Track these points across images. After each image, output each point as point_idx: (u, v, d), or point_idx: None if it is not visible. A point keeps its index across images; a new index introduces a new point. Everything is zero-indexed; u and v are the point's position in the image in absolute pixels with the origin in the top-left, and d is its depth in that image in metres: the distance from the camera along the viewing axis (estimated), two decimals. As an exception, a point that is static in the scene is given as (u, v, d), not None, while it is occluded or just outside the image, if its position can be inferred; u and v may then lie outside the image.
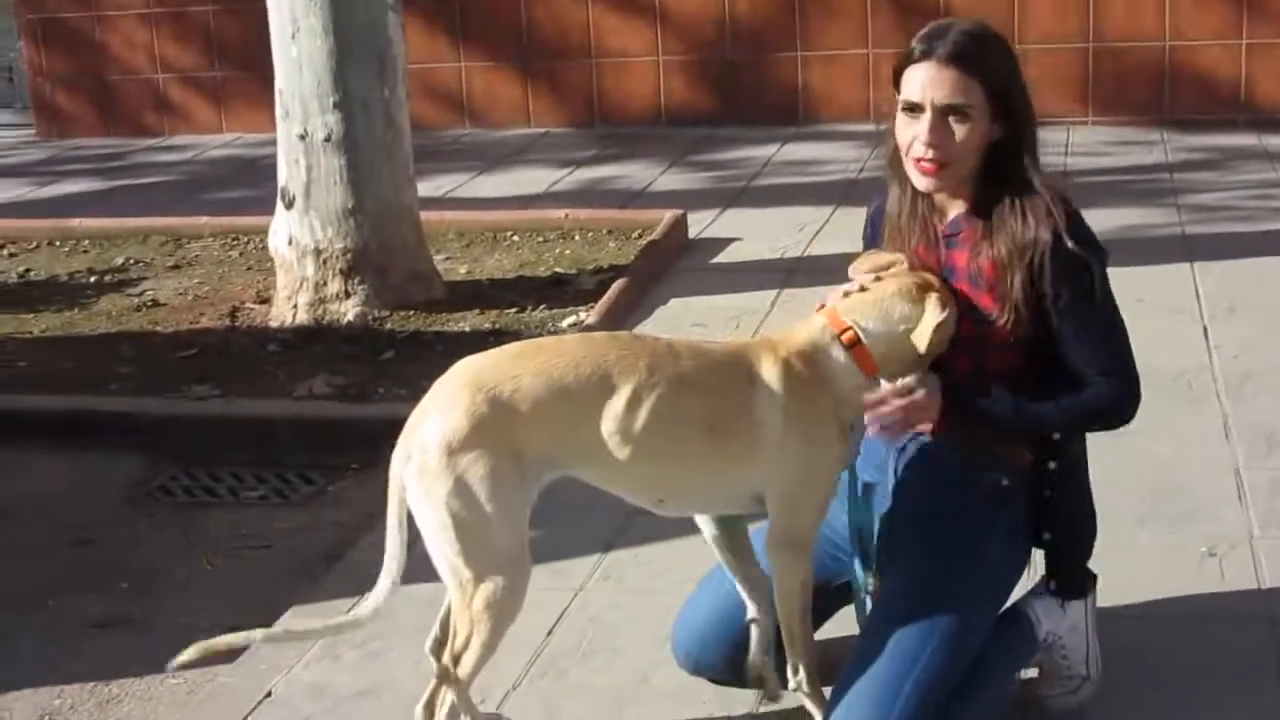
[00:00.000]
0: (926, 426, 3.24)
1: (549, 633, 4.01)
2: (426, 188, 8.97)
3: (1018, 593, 3.47)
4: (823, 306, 3.30)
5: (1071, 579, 3.45)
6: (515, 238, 7.82)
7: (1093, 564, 4.04)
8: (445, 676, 3.26)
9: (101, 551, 5.07)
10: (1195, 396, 5.32)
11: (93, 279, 7.78)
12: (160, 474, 5.66)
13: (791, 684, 3.44)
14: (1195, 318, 6.14)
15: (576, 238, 7.69)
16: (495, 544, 3.14)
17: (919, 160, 3.17)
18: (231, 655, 3.80)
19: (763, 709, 3.55)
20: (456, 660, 3.21)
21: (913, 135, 3.15)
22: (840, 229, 7.33)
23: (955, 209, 3.27)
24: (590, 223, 7.76)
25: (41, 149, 11.37)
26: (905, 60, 3.18)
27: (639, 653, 3.79)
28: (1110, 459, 4.75)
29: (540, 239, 7.75)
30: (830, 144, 9.60)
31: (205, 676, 4.09)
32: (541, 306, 6.71)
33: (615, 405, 3.11)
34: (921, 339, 3.15)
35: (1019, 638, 3.37)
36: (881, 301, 3.21)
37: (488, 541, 3.13)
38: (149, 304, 7.21)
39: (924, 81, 3.12)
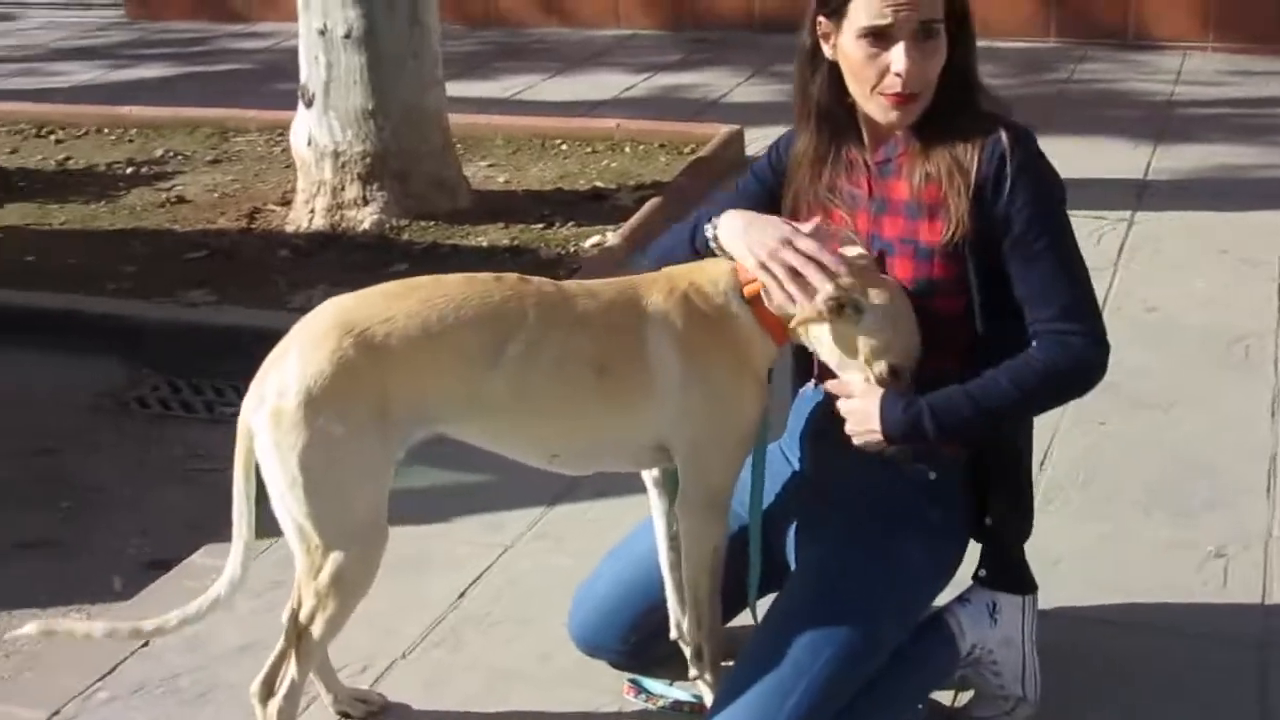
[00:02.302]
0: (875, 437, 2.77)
1: (460, 595, 3.66)
2: (494, 88, 8.68)
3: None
4: None
5: (1003, 570, 2.99)
6: (563, 147, 7.42)
7: (1085, 554, 3.66)
8: (287, 651, 2.90)
9: (58, 463, 4.85)
10: (1248, 366, 4.78)
11: (129, 170, 7.53)
12: (141, 383, 5.41)
13: (693, 671, 3.08)
14: (1272, 275, 5.55)
15: (626, 150, 7.26)
16: (350, 509, 2.77)
17: (892, 94, 2.70)
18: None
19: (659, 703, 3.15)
20: (301, 633, 2.85)
21: (882, 66, 2.68)
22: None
23: (888, 135, 2.81)
24: (642, 134, 7.31)
25: (128, 30, 11.15)
26: None
27: (550, 626, 3.41)
28: (1128, 432, 4.31)
29: (588, 149, 7.33)
30: (928, 60, 9.02)
31: (99, 614, 3.82)
32: (570, 223, 6.31)
33: (497, 351, 2.73)
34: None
35: (936, 649, 2.94)
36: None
37: (342, 505, 2.77)
38: (174, 200, 6.94)
39: (893, 2, 2.65)
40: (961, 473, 2.91)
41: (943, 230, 2.75)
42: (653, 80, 8.82)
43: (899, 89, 2.69)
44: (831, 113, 2.84)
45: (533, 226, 6.30)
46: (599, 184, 6.81)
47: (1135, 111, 7.85)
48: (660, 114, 7.82)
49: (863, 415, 2.74)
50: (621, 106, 8.17)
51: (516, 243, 6.14)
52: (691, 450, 2.87)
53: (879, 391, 2.73)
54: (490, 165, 7.20)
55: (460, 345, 2.74)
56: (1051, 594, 3.46)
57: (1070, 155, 6.89)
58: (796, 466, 3.07)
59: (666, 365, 2.79)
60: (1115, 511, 3.91)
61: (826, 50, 2.79)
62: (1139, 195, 6.44)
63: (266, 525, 2.87)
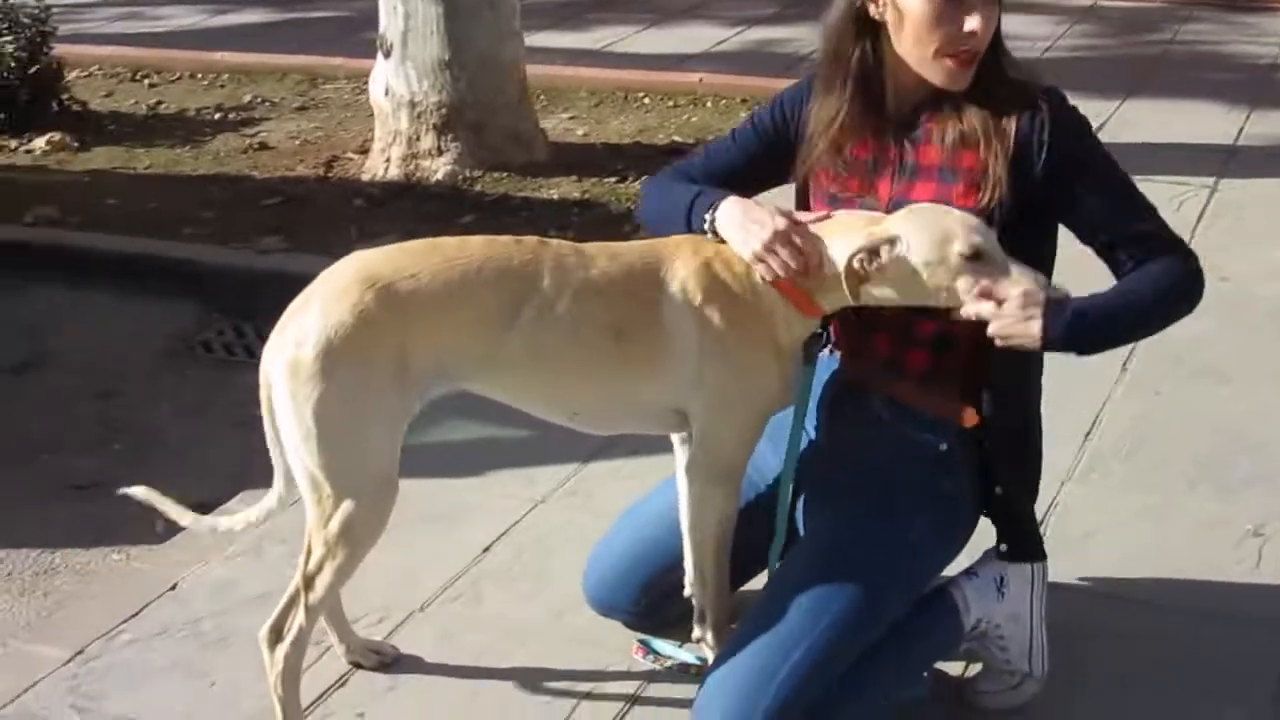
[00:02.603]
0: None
1: (486, 549, 3.66)
2: (586, 39, 8.65)
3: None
4: None
5: (1018, 539, 2.95)
6: (646, 100, 7.39)
7: (1120, 526, 3.60)
8: (296, 599, 2.92)
9: (117, 406, 4.94)
10: (1307, 334, 4.66)
11: (216, 116, 7.62)
12: (209, 327, 5.47)
13: (696, 633, 3.07)
14: (1342, 239, 5.40)
15: (709, 104, 7.22)
16: (364, 461, 2.78)
17: (959, 54, 2.67)
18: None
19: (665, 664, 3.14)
20: (309, 583, 2.87)
21: (955, 26, 2.64)
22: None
23: (915, 100, 2.77)
24: (725, 89, 7.26)
25: (233, -26, 11.24)
26: None
27: (569, 583, 3.40)
28: (1182, 402, 4.22)
29: (671, 103, 7.30)
30: (1030, 18, 8.85)
31: (137, 557, 3.88)
32: (643, 177, 6.25)
33: (516, 311, 2.73)
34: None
35: (940, 621, 2.90)
36: (840, 229, 2.73)
37: (356, 458, 2.77)
38: (256, 146, 7.02)
39: None
40: (971, 444, 2.86)
41: (978, 196, 2.69)
42: (745, 34, 8.75)
43: (972, 47, 2.65)
44: (870, 79, 2.78)
45: (605, 180, 6.29)
46: (677, 138, 6.78)
47: (1235, 75, 7.66)
48: (748, 69, 7.75)
49: (1021, 324, 2.61)
50: (711, 60, 8.11)
51: (587, 196, 6.13)
52: (705, 419, 2.84)
53: (1039, 301, 2.59)
54: (571, 117, 7.19)
55: (479, 304, 2.74)
56: (1080, 567, 3.44)
57: (1161, 119, 6.84)
58: (811, 435, 3.03)
59: (683, 333, 2.76)
60: (1158, 484, 3.84)
61: (874, 10, 2.73)
62: (1226, 161, 6.28)
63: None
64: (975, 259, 2.60)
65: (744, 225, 2.74)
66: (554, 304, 2.74)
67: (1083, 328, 2.60)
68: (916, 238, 2.63)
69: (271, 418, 2.82)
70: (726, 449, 2.86)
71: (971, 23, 2.63)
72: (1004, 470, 2.89)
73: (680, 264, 2.78)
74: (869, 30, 2.75)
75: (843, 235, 2.70)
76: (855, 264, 2.65)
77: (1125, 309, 2.67)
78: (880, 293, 2.71)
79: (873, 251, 2.65)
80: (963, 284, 2.61)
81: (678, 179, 2.99)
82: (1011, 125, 2.68)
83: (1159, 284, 2.69)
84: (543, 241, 2.86)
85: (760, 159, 2.92)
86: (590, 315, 2.75)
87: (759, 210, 2.75)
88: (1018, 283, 2.58)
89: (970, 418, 2.84)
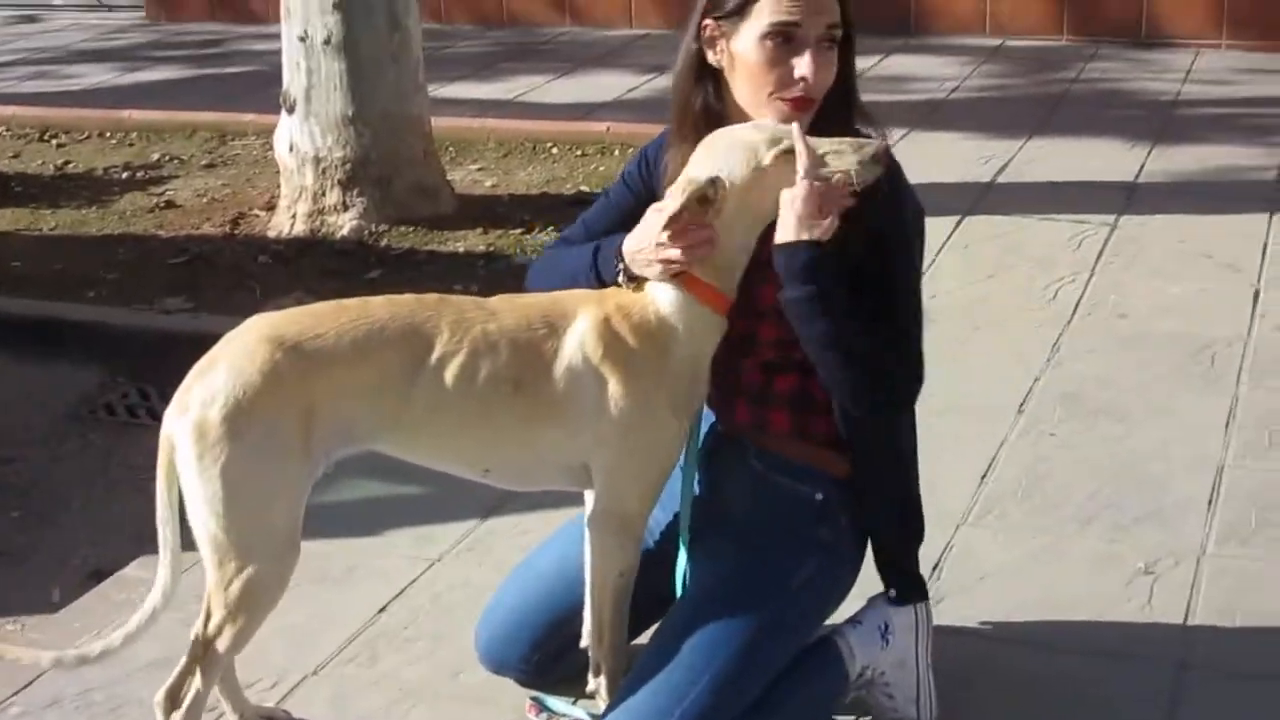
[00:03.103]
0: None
1: (381, 609, 3.65)
2: (499, 89, 8.67)
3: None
4: None
5: (902, 585, 2.98)
6: (554, 150, 7.41)
7: (1014, 569, 3.63)
8: (193, 664, 2.89)
9: (15, 472, 4.88)
10: (1212, 375, 4.71)
11: (124, 175, 7.58)
12: (111, 390, 5.43)
13: (590, 685, 3.06)
14: (1251, 280, 5.47)
15: (616, 153, 7.24)
16: (269, 524, 2.77)
17: (792, 99, 2.70)
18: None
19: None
20: (207, 646, 2.85)
21: (785, 69, 2.69)
22: (903, 155, 6.72)
23: None
24: (633, 137, 7.26)
25: (146, 32, 11.19)
26: None
27: (465, 642, 3.37)
28: (1076, 443, 4.26)
29: (579, 153, 7.32)
30: (936, 59, 8.97)
31: (32, 627, 3.84)
32: (549, 228, 6.29)
33: (418, 368, 2.73)
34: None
35: (824, 669, 2.91)
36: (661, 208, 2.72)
37: (261, 520, 2.76)
38: (163, 205, 6.99)
39: (805, 1, 2.67)
40: (848, 492, 2.88)
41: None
42: (655, 82, 8.77)
43: (802, 93, 2.68)
44: (714, 126, 2.80)
45: (512, 231, 6.30)
46: (584, 188, 6.80)
47: (1137, 111, 7.77)
48: (657, 116, 7.73)
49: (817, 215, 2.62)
50: (621, 108, 8.14)
51: (492, 248, 6.14)
52: (605, 473, 2.84)
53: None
54: (479, 169, 7.20)
55: (382, 363, 2.74)
56: (974, 610, 3.46)
57: (1064, 157, 6.92)
58: (694, 487, 3.04)
59: (580, 388, 2.76)
60: (1051, 525, 3.87)
61: (712, 57, 2.77)
62: (1127, 198, 6.36)
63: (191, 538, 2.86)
64: (788, 154, 2.62)
65: (640, 235, 2.76)
66: (453, 358, 2.73)
67: (819, 287, 2.62)
68: (729, 167, 2.65)
69: (166, 484, 2.80)
70: (626, 503, 2.86)
71: (801, 67, 2.67)
72: (879, 517, 2.90)
73: (580, 318, 2.78)
74: (710, 77, 2.79)
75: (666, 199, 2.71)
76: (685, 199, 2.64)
77: (849, 334, 2.66)
78: (740, 235, 2.71)
79: (703, 198, 2.65)
80: (792, 180, 2.62)
81: (564, 249, 3.00)
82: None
83: (879, 359, 2.70)
84: (443, 298, 2.86)
85: (634, 213, 2.94)
86: (488, 367, 2.75)
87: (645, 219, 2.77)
88: (845, 155, 2.61)
89: (838, 467, 2.85)
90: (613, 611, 2.95)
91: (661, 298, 2.76)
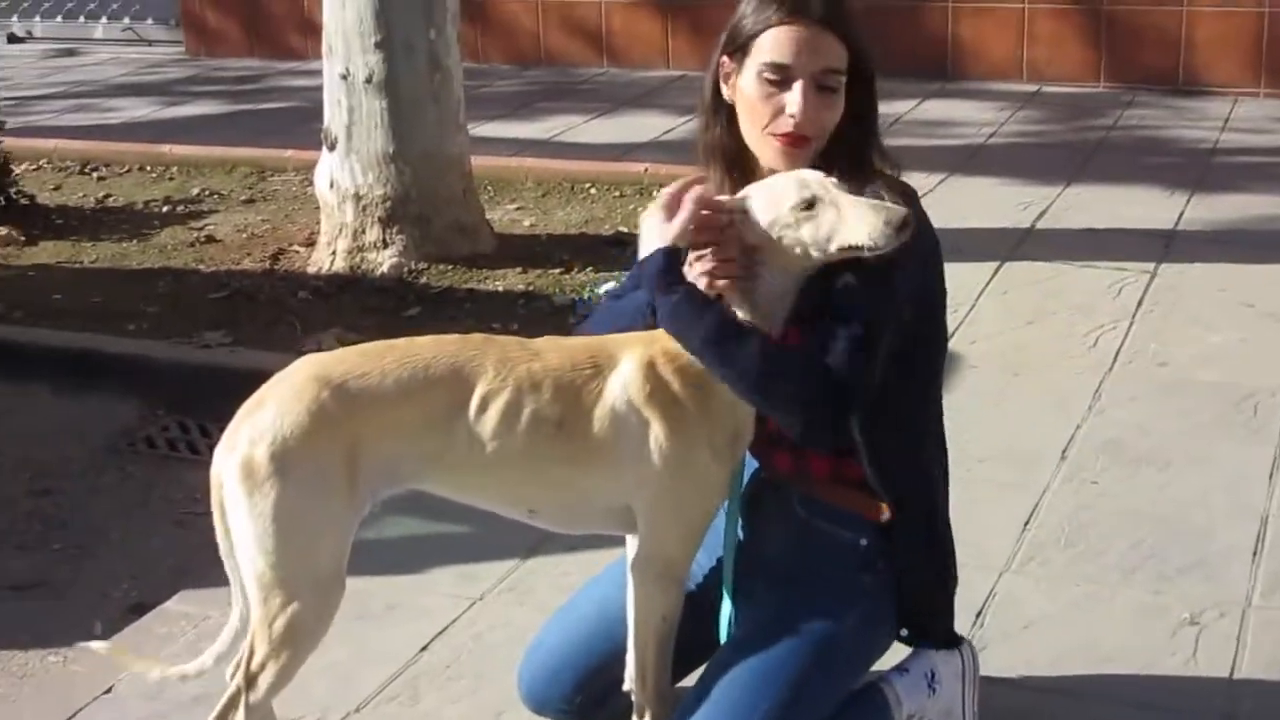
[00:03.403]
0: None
1: (423, 648, 3.65)
2: (536, 129, 8.69)
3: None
4: None
5: (924, 624, 2.96)
6: (593, 190, 7.42)
7: (1057, 618, 3.60)
8: (235, 699, 2.89)
9: (55, 504, 4.89)
10: (1255, 425, 4.69)
11: (165, 209, 7.61)
12: (151, 423, 5.44)
13: (628, 735, 3.04)
14: (1294, 330, 5.45)
15: (654, 194, 7.20)
16: (314, 562, 2.78)
17: (784, 135, 2.73)
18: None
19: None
20: (251, 682, 2.85)
21: (777, 104, 2.73)
22: (942, 200, 6.78)
23: None
24: (670, 178, 7.16)
25: (186, 67, 11.26)
26: (758, 19, 2.75)
27: (508, 682, 3.36)
28: (1121, 491, 4.24)
29: (617, 193, 7.34)
30: (973, 103, 8.98)
31: (74, 660, 3.85)
32: (588, 268, 6.31)
33: (463, 407, 2.74)
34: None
35: (869, 718, 2.89)
36: None
37: (308, 558, 2.77)
38: (204, 239, 7.01)
39: (797, 43, 2.71)
40: (888, 539, 2.87)
41: None
42: (693, 123, 8.76)
43: (790, 129, 2.71)
44: (735, 159, 2.84)
45: (550, 271, 6.31)
46: (623, 229, 6.80)
47: (1175, 159, 7.75)
48: (694, 158, 7.77)
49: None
50: (658, 149, 8.16)
51: (532, 288, 6.15)
52: (649, 517, 2.84)
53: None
54: (518, 208, 7.22)
55: (428, 403, 2.75)
56: (1017, 659, 3.45)
57: (1103, 204, 6.91)
58: (738, 533, 3.03)
59: (624, 431, 2.76)
60: (1095, 574, 3.85)
61: (726, 92, 2.81)
62: (1166, 246, 6.35)
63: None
64: (809, 208, 2.63)
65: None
66: (497, 396, 2.74)
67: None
68: (758, 203, 2.67)
69: (221, 521, 2.81)
70: (669, 547, 2.86)
71: (792, 105, 2.70)
72: (913, 563, 2.89)
73: (625, 360, 2.79)
74: (724, 112, 2.83)
75: None
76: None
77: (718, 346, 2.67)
78: (774, 281, 2.72)
79: (735, 211, 2.68)
80: (806, 234, 2.64)
81: (618, 301, 3.00)
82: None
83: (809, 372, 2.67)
84: (488, 338, 2.88)
85: None
86: (532, 407, 2.75)
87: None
88: (859, 218, 2.60)
89: (879, 513, 2.85)
90: (656, 656, 2.94)
91: None
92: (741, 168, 2.84)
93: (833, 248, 2.63)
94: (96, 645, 3.19)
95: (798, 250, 2.66)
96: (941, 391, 2.99)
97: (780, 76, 2.71)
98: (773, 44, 2.72)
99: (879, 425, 2.73)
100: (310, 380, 2.74)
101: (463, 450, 2.76)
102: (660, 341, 2.81)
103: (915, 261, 2.72)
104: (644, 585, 2.90)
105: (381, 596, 3.86)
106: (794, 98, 2.71)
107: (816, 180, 2.67)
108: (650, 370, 2.77)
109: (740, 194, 2.73)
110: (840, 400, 2.66)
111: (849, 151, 2.76)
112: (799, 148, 2.74)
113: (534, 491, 2.88)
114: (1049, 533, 4.05)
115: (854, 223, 2.61)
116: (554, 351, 2.83)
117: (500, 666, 3.50)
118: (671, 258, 2.70)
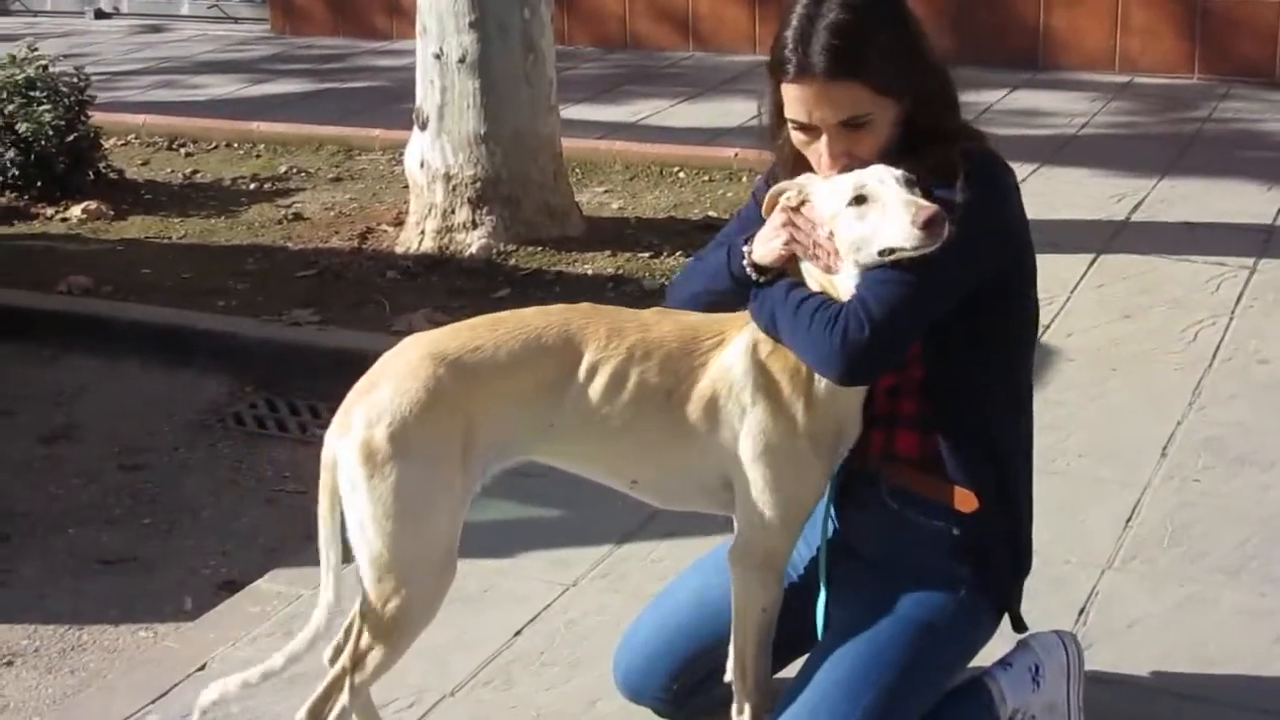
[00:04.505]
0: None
1: (517, 633, 3.62)
2: (622, 112, 8.66)
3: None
4: None
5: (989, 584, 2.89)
6: (681, 174, 7.38)
7: (1161, 618, 3.54)
8: (340, 681, 2.87)
9: (145, 479, 4.91)
10: (1363, 420, 4.59)
11: (252, 186, 7.64)
12: (240, 400, 5.45)
13: (733, 722, 3.00)
14: None
15: (744, 179, 7.20)
16: (431, 542, 2.75)
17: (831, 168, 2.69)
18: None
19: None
20: (357, 663, 2.82)
21: (815, 153, 2.70)
22: (1034, 190, 6.67)
23: None
24: (760, 163, 7.08)
25: (271, 45, 11.30)
26: (778, 68, 2.69)
27: (601, 669, 3.35)
28: (1222, 491, 4.16)
29: (706, 178, 7.29)
30: (1064, 94, 8.86)
31: (165, 635, 3.86)
32: (678, 253, 6.26)
33: (573, 374, 2.73)
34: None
35: (974, 714, 2.84)
36: None
37: (425, 538, 2.74)
38: (291, 217, 7.02)
39: (807, 103, 2.64)
40: (979, 528, 2.81)
41: None
42: (780, 108, 8.73)
43: (831, 171, 2.66)
44: (801, 159, 2.79)
45: (640, 255, 6.27)
46: (712, 214, 6.76)
47: (1272, 153, 7.62)
48: (779, 143, 7.72)
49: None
50: (746, 134, 8.04)
51: (621, 271, 6.11)
52: (745, 503, 2.80)
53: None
54: (606, 191, 7.18)
55: (540, 371, 2.74)
56: (1120, 658, 3.39)
57: (1198, 198, 6.80)
58: (832, 524, 2.99)
59: (729, 408, 2.74)
60: (1199, 574, 3.77)
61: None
62: (1265, 241, 6.23)
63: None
64: (860, 203, 2.58)
65: (765, 229, 2.74)
66: (607, 364, 2.73)
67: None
68: (818, 195, 2.63)
69: (330, 506, 2.78)
70: (765, 536, 2.82)
71: (823, 157, 2.67)
72: (995, 547, 2.85)
73: (734, 339, 2.76)
74: (786, 127, 2.77)
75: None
76: (782, 199, 2.67)
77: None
78: (847, 273, 2.66)
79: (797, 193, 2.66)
80: (856, 232, 2.58)
81: (698, 261, 2.98)
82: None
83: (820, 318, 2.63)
84: (596, 307, 2.87)
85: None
86: (640, 376, 2.74)
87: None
88: (888, 231, 2.55)
89: (968, 501, 2.79)
90: (756, 647, 2.90)
91: None
92: (809, 168, 2.77)
93: (873, 250, 2.58)
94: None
95: (846, 248, 2.62)
96: (1031, 376, 2.92)
97: (806, 130, 2.67)
98: (789, 102, 2.67)
99: (956, 399, 2.71)
100: (425, 358, 2.71)
101: (571, 417, 2.75)
102: None
103: (980, 228, 2.62)
104: (743, 576, 2.86)
105: (474, 580, 3.82)
106: (822, 148, 2.66)
107: (875, 177, 2.60)
108: (754, 352, 2.73)
109: (804, 178, 2.69)
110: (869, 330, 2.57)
111: (918, 134, 2.68)
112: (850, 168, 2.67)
113: (637, 463, 2.85)
114: (1151, 531, 3.97)
115: (891, 223, 2.55)
116: (663, 323, 2.81)
117: (594, 653, 3.47)
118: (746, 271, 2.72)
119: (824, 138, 2.65)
